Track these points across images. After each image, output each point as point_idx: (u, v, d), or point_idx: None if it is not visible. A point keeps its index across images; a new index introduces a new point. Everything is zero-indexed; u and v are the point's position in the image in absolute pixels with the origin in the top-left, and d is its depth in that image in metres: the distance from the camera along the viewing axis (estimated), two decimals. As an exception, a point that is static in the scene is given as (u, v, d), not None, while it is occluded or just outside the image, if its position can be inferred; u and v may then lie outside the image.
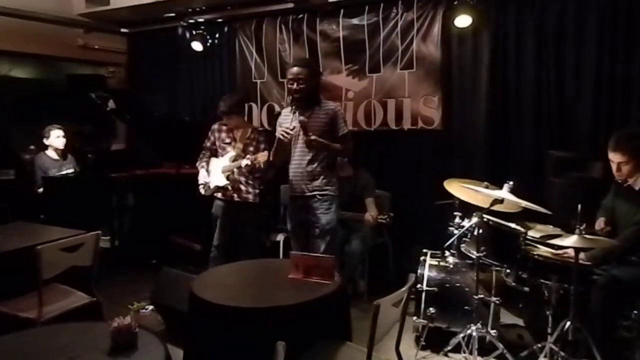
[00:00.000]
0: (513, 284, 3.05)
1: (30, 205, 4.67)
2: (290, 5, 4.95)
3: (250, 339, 2.14)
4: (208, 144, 4.10)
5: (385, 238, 4.34)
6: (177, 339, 2.57)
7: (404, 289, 2.15)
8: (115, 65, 6.46)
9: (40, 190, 4.80)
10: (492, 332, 2.99)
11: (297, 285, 2.46)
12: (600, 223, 3.09)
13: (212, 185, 3.96)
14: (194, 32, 5.47)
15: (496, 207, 2.98)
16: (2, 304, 2.78)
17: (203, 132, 4.17)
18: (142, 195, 5.25)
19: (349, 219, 4.08)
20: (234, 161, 3.87)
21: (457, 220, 3.43)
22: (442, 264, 3.39)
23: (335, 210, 3.32)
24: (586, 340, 2.70)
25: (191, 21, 5.46)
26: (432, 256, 3.46)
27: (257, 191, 4.00)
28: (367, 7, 4.69)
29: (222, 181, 3.90)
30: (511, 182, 2.94)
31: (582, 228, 2.54)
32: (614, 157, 2.93)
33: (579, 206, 2.56)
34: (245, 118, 5.14)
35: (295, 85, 3.22)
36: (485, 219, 3.04)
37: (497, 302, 3.07)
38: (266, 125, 5.20)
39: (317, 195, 3.26)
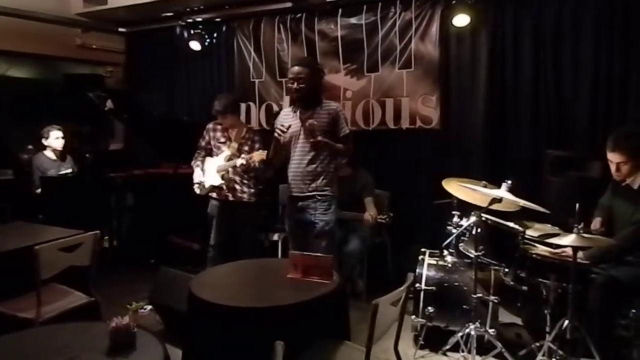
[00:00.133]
0: (511, 283, 3.05)
1: (28, 205, 4.66)
2: (289, 4, 4.95)
3: (249, 338, 2.14)
4: (203, 144, 4.10)
5: (383, 237, 4.35)
6: (176, 338, 2.57)
7: (402, 288, 2.15)
8: (113, 64, 6.45)
9: (38, 190, 4.79)
10: (491, 331, 2.99)
11: (296, 285, 2.46)
12: (596, 223, 3.09)
13: (207, 185, 3.95)
14: (192, 32, 5.47)
15: (494, 206, 2.99)
16: (0, 304, 2.78)
17: (201, 132, 4.16)
18: (140, 195, 5.25)
19: (348, 218, 4.07)
20: (228, 160, 3.87)
21: (455, 219, 3.44)
22: (440, 263, 3.40)
23: (334, 212, 3.31)
24: (584, 339, 2.70)
25: (189, 20, 5.46)
26: (430, 255, 3.46)
27: (253, 191, 3.99)
28: (365, 7, 4.69)
29: (216, 180, 3.90)
30: (509, 181, 2.94)
31: (580, 227, 2.54)
32: (613, 157, 2.93)
33: (577, 205, 2.56)
34: (243, 117, 5.16)
35: (295, 85, 3.21)
36: (483, 218, 3.04)
37: (496, 301, 3.08)
38: (264, 125, 5.20)
39: (317, 196, 3.25)
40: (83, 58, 6.14)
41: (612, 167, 2.97)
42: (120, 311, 2.94)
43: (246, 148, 3.93)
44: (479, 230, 3.04)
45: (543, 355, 2.80)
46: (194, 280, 2.57)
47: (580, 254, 2.69)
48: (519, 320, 3.49)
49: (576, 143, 3.95)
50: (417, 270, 3.32)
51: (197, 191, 4.01)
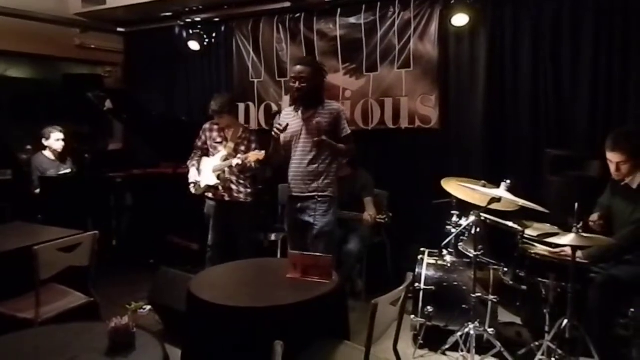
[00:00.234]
0: (511, 282, 3.05)
1: (27, 206, 4.66)
2: (288, 4, 4.95)
3: (248, 338, 2.14)
4: (199, 143, 4.09)
5: (383, 237, 4.35)
6: (175, 338, 2.57)
7: (401, 287, 2.15)
8: (112, 64, 6.45)
9: (38, 190, 4.79)
10: (490, 330, 2.99)
11: (295, 285, 2.46)
12: (594, 216, 3.09)
13: (202, 185, 3.94)
14: (191, 32, 5.46)
15: (494, 206, 2.99)
16: (-1, 305, 2.78)
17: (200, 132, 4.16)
18: (139, 195, 5.24)
19: (348, 218, 4.07)
20: (225, 160, 3.86)
21: (454, 219, 3.44)
22: (439, 262, 3.40)
23: (333, 213, 3.29)
24: (584, 338, 2.71)
25: (188, 20, 5.45)
26: (429, 255, 3.46)
27: (249, 191, 3.99)
28: (364, 6, 4.69)
29: (212, 180, 3.89)
30: (508, 181, 2.94)
31: (579, 226, 2.55)
32: (613, 157, 2.93)
33: (576, 204, 2.57)
34: (242, 117, 5.15)
35: (297, 84, 3.20)
36: (482, 218, 3.05)
37: (495, 300, 3.08)
38: (263, 125, 5.19)
39: (317, 197, 3.24)
40: (82, 58, 6.13)
41: (612, 167, 2.97)
42: (120, 311, 2.93)
43: (242, 148, 3.92)
44: (478, 229, 3.04)
45: (542, 354, 2.81)
46: (194, 280, 2.57)
47: (579, 253, 2.69)
48: (518, 320, 3.50)
49: (575, 143, 3.95)
50: (417, 270, 3.32)
51: (193, 191, 4.00)
